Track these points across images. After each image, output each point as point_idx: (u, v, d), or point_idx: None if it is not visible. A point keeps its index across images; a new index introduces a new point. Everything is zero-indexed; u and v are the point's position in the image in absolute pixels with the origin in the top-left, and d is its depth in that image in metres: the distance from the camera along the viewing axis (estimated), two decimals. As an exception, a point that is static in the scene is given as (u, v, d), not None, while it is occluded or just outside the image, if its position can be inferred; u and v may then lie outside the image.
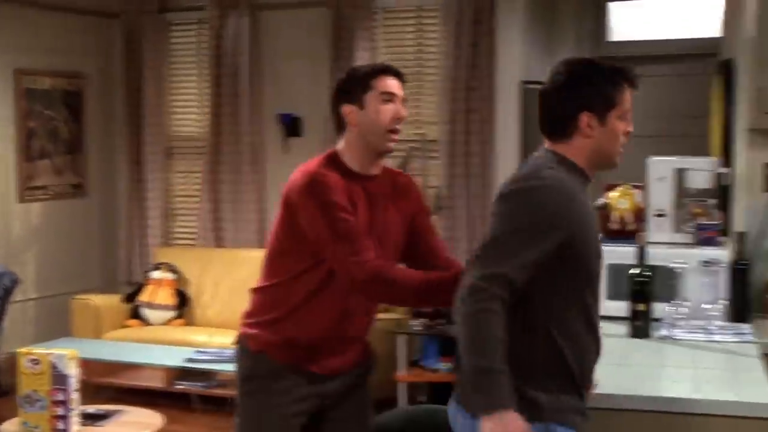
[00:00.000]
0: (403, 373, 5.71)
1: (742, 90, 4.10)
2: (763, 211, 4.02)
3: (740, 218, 4.08)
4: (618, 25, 6.58)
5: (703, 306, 3.72)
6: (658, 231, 3.99)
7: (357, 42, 6.43)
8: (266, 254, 3.16)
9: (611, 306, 3.86)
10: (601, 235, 3.99)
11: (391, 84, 3.07)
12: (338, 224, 2.94)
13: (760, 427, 2.75)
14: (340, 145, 3.11)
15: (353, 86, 3.07)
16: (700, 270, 3.76)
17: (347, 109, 3.06)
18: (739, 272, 3.85)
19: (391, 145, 3.09)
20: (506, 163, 5.97)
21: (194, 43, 7.17)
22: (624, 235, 4.01)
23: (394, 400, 5.68)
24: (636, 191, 4.09)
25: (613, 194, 4.11)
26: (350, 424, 3.22)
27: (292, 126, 6.66)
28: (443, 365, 5.64)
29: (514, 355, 2.41)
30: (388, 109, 3.05)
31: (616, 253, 3.88)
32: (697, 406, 2.81)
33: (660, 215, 4.02)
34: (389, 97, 3.06)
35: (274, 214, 3.17)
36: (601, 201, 4.11)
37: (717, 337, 3.55)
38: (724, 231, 4.08)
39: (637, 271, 3.59)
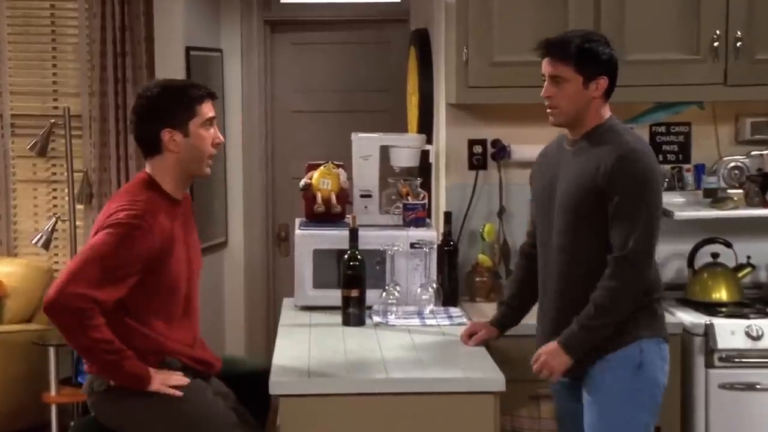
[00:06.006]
0: (53, 394, 5.67)
1: (444, 62, 4.51)
2: (468, 190, 4.55)
3: (445, 198, 4.58)
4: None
5: (415, 290, 4.17)
6: (365, 213, 4.34)
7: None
8: None
9: (319, 295, 4.24)
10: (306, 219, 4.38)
11: (211, 108, 3.42)
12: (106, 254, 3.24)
13: (486, 401, 3.28)
14: (153, 168, 3.44)
15: (176, 111, 3.39)
16: (409, 253, 4.20)
17: (168, 135, 3.37)
18: (447, 254, 4.37)
19: (209, 170, 3.45)
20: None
21: None
22: (330, 218, 4.32)
23: (46, 426, 5.71)
24: (339, 170, 4.38)
25: (316, 174, 4.33)
26: None
27: None
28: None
29: None
30: (210, 135, 3.41)
31: (323, 238, 4.25)
32: (426, 385, 3.29)
33: (366, 196, 4.40)
34: (210, 122, 3.44)
35: None
36: (303, 182, 4.38)
37: (430, 322, 4.04)
38: (429, 211, 4.55)
39: (348, 256, 3.97)
